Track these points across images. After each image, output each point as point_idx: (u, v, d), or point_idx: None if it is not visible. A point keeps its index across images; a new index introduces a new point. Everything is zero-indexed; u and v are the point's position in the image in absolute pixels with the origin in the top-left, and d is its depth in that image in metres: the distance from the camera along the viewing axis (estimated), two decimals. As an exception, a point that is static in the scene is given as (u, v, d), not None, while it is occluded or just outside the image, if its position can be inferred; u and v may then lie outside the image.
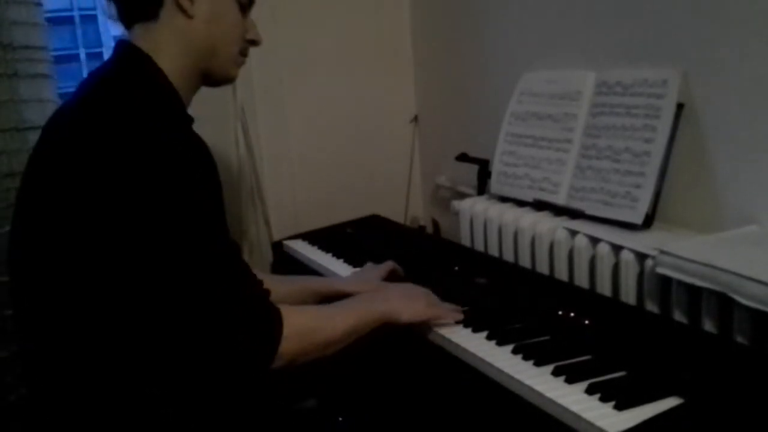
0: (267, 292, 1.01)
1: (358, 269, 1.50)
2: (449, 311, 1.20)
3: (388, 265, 1.42)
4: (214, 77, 1.12)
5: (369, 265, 1.46)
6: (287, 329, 0.97)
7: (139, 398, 0.96)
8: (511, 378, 1.01)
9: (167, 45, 1.04)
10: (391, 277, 1.41)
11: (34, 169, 1.01)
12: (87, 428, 0.97)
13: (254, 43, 1.16)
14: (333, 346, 1.06)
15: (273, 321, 0.97)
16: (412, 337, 1.23)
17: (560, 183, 1.52)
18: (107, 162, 0.91)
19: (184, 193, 0.92)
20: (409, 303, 1.17)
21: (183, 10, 1.04)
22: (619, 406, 0.90)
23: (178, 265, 0.92)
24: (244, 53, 1.15)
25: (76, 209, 0.92)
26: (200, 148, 0.98)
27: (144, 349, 0.94)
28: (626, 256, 1.28)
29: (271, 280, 1.14)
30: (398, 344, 1.29)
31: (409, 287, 1.26)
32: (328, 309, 1.11)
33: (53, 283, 0.95)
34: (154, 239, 0.91)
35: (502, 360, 1.06)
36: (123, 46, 1.06)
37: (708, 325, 1.13)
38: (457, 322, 1.20)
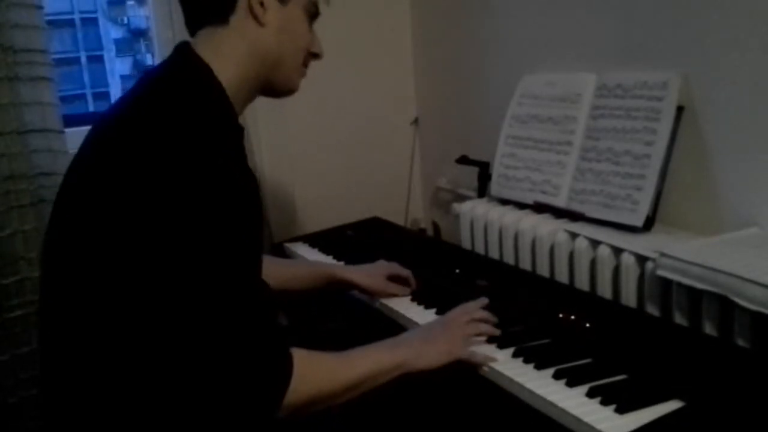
0: (283, 338, 0.94)
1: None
2: (475, 354, 1.08)
3: (394, 266, 1.42)
4: (275, 88, 1.10)
5: (381, 261, 1.45)
6: (298, 377, 0.91)
7: (140, 413, 0.92)
8: (512, 381, 1.01)
9: (232, 52, 1.01)
10: (397, 281, 1.40)
11: (77, 173, 0.99)
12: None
13: (317, 56, 1.14)
14: (345, 396, 0.98)
15: (282, 368, 0.91)
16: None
17: (561, 185, 1.52)
18: (152, 178, 0.88)
19: (221, 223, 0.88)
20: (427, 348, 1.06)
21: (255, 18, 1.02)
22: (620, 410, 0.90)
23: (197, 294, 0.88)
24: (306, 64, 1.13)
25: (113, 223, 0.89)
26: (247, 177, 0.94)
27: (152, 369, 0.90)
28: (627, 259, 1.28)
29: (269, 264, 1.08)
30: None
31: (434, 326, 1.15)
32: (344, 356, 1.02)
33: (78, 290, 0.93)
34: (181, 263, 0.87)
35: (503, 363, 1.06)
36: (183, 52, 1.02)
37: (708, 328, 1.13)
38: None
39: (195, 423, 0.92)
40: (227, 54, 1.01)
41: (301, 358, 0.93)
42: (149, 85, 1.02)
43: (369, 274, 1.39)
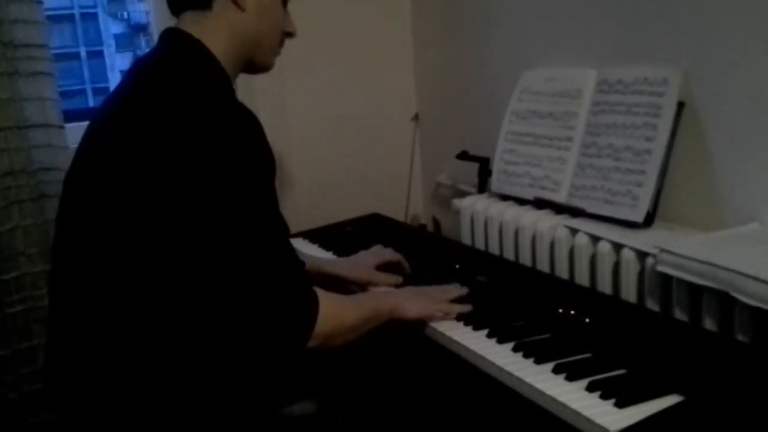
0: (308, 276, 1.06)
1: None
2: (454, 305, 1.23)
3: (384, 253, 1.44)
4: (254, 66, 1.18)
5: (362, 253, 1.48)
6: (322, 311, 1.03)
7: (181, 376, 0.99)
8: (512, 376, 1.02)
9: (216, 34, 1.09)
10: (388, 268, 1.41)
11: (88, 153, 1.06)
12: (113, 402, 1.00)
13: (290, 35, 1.21)
14: (355, 332, 1.11)
15: (312, 302, 1.03)
16: (413, 335, 1.23)
17: (561, 181, 1.52)
18: (171, 145, 0.96)
19: (243, 177, 0.97)
20: (415, 300, 1.21)
21: (236, 3, 1.09)
22: (620, 404, 0.90)
23: (232, 244, 0.97)
24: (281, 44, 1.21)
25: (141, 184, 0.96)
26: (257, 128, 1.02)
27: (192, 323, 0.99)
28: (627, 255, 1.28)
29: None
30: (399, 342, 1.29)
31: (416, 288, 1.30)
32: (352, 298, 1.18)
33: (105, 261, 0.99)
34: (211, 215, 0.96)
35: (503, 358, 1.06)
36: (172, 33, 1.10)
37: (709, 323, 1.13)
38: (458, 320, 1.21)
39: (236, 359, 1.01)
40: (211, 35, 1.09)
41: (323, 297, 1.05)
42: (147, 68, 1.09)
43: (354, 267, 1.42)
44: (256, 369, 1.04)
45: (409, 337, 1.23)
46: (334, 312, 1.06)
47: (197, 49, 1.07)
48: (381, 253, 1.45)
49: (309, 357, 1.04)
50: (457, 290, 1.27)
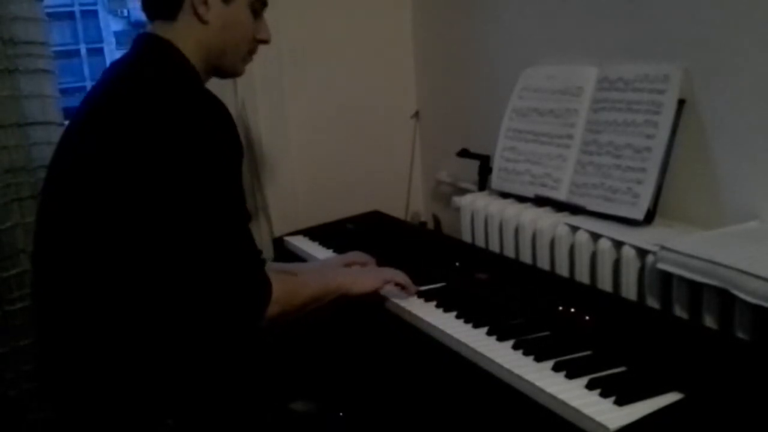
0: (263, 262, 1.14)
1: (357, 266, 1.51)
2: (394, 289, 1.32)
3: (355, 255, 1.47)
4: (223, 72, 1.23)
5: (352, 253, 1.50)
6: (274, 296, 1.11)
7: (152, 353, 1.06)
8: (512, 373, 1.02)
9: (183, 41, 1.14)
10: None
11: (71, 145, 1.12)
12: (93, 380, 1.06)
13: (264, 42, 1.24)
14: (305, 309, 1.20)
15: (265, 288, 1.11)
16: (412, 332, 1.23)
17: (561, 179, 1.52)
18: (143, 134, 1.02)
19: (210, 165, 1.04)
20: (359, 277, 1.31)
21: (198, 16, 1.13)
22: (620, 402, 0.90)
23: (195, 228, 1.04)
24: (252, 52, 1.24)
25: (118, 171, 1.03)
26: (227, 117, 1.09)
27: (161, 304, 1.05)
28: (627, 252, 1.28)
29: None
30: (398, 339, 1.29)
31: (366, 268, 1.40)
32: (300, 279, 1.26)
33: (83, 242, 1.05)
34: (177, 202, 1.02)
35: (503, 355, 1.06)
36: (145, 38, 1.16)
37: (708, 321, 1.13)
38: (458, 317, 1.21)
39: (196, 340, 1.08)
40: (179, 42, 1.14)
41: (276, 282, 1.13)
42: (123, 68, 1.14)
43: (320, 268, 1.46)
44: (219, 349, 1.10)
45: (407, 332, 1.24)
46: (285, 297, 1.14)
47: (169, 49, 1.12)
48: (351, 255, 1.48)
49: (305, 357, 1.09)
50: (408, 280, 1.33)
